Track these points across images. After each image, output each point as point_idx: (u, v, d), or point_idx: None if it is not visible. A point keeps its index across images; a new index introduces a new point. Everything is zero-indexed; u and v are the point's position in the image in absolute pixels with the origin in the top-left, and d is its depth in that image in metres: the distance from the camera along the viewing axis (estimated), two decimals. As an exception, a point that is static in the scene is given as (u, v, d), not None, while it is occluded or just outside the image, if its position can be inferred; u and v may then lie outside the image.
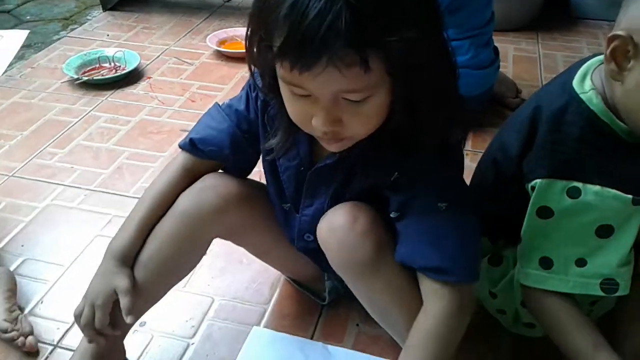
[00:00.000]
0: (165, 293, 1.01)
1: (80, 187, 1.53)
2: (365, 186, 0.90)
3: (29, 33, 2.44)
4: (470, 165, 1.08)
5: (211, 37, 2.29)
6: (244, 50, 0.80)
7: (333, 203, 0.92)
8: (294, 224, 1.01)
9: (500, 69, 1.83)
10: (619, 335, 0.96)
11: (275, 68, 0.74)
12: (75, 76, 2.01)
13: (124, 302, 0.90)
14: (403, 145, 0.81)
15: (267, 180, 1.01)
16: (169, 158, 1.61)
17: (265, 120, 0.92)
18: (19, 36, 2.41)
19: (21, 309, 1.16)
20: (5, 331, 1.08)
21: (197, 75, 2.10)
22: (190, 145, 0.98)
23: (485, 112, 1.78)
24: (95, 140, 1.73)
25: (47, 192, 1.51)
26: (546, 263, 0.89)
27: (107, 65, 2.11)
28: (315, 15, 0.64)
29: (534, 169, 0.88)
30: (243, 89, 0.98)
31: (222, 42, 2.28)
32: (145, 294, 0.95)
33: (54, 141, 1.72)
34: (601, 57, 0.83)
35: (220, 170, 1.01)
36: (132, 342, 1.08)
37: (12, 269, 1.25)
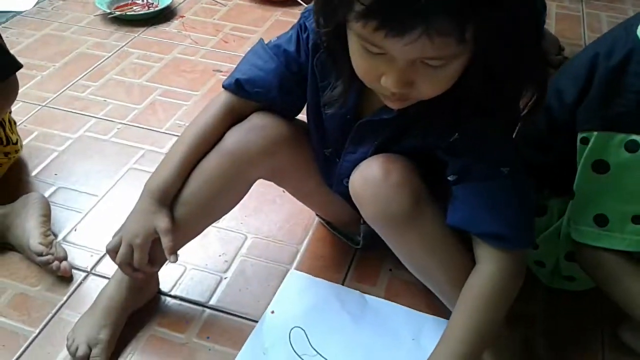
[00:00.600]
0: (202, 230, 1.00)
1: (113, 121, 1.52)
2: (418, 145, 0.87)
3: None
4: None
5: (245, -22, 2.23)
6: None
7: (377, 153, 0.89)
8: (333, 168, 0.99)
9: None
10: None
11: (347, 19, 0.68)
12: (108, 10, 1.98)
13: (165, 241, 0.89)
14: (469, 106, 0.77)
15: (309, 123, 0.98)
16: (202, 97, 1.58)
17: (315, 64, 0.89)
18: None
19: (55, 236, 1.16)
20: (41, 254, 1.08)
21: (230, 17, 2.06)
22: (236, 86, 0.93)
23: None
24: (127, 75, 1.71)
25: (80, 123, 1.50)
26: (601, 220, 0.87)
27: (139, 1, 2.08)
28: None
29: (589, 119, 0.86)
30: (292, 28, 0.93)
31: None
32: (183, 231, 0.94)
33: (86, 74, 1.70)
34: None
35: None
36: (165, 273, 1.08)
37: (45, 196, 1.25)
